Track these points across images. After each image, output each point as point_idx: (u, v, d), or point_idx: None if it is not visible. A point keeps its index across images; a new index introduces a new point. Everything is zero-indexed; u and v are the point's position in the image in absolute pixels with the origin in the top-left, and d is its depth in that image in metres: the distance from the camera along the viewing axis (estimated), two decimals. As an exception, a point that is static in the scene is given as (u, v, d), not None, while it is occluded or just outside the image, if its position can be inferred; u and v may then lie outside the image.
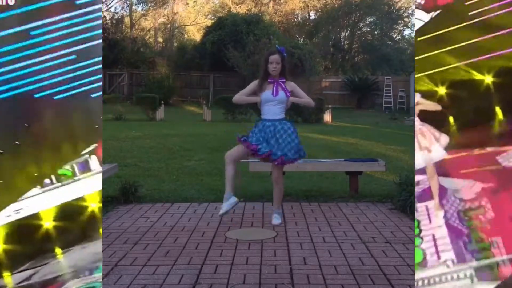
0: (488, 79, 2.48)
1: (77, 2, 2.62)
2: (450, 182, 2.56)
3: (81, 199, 2.65)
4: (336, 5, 34.51)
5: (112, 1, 35.15)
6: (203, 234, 4.16)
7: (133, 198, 5.44)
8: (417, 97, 2.71)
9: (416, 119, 2.68)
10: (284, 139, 4.44)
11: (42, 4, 2.55)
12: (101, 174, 2.75)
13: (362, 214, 4.87)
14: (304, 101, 4.66)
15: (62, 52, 2.58)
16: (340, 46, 35.34)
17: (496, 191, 2.47)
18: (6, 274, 2.51)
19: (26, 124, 2.55)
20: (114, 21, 31.99)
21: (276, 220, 4.54)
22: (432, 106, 2.62)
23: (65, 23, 2.59)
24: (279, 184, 4.58)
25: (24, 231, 2.56)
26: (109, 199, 5.36)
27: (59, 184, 2.64)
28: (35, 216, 2.57)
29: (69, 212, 2.63)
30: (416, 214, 2.59)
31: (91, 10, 2.64)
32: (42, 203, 2.59)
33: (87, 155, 2.70)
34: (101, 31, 2.69)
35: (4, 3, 2.49)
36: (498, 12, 2.46)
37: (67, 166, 2.67)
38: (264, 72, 4.57)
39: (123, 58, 28.62)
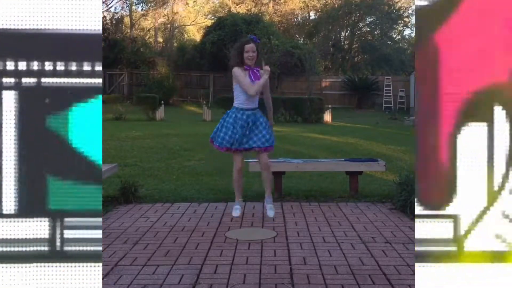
0: None
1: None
2: None
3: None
4: (336, 5, 34.51)
5: (112, 1, 35.18)
6: (203, 234, 4.16)
7: (133, 198, 5.43)
8: None
9: None
10: (264, 127, 4.58)
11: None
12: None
13: (362, 214, 4.87)
14: (269, 109, 4.91)
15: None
16: (340, 46, 35.34)
17: None
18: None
19: None
20: (114, 21, 31.98)
21: (271, 212, 4.64)
22: None
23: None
24: (268, 169, 4.69)
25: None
26: (109, 199, 5.36)
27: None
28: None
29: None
30: None
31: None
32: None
33: None
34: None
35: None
36: None
37: None
38: (239, 61, 4.60)
39: (123, 58, 28.61)
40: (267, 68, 4.58)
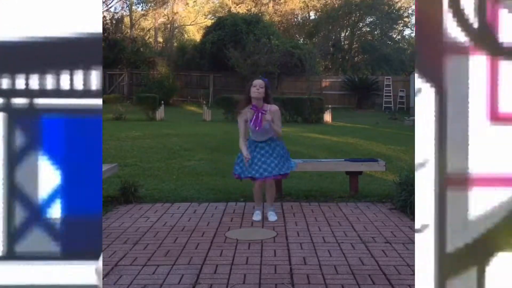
0: None
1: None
2: None
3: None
4: (336, 5, 34.50)
5: (112, 1, 35.16)
6: (203, 234, 4.17)
7: (133, 198, 5.44)
8: None
9: None
10: (277, 155, 4.63)
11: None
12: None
13: (362, 214, 4.87)
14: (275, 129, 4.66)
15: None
16: (340, 46, 35.32)
17: None
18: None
19: None
20: (114, 21, 31.95)
21: (273, 217, 4.66)
22: None
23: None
24: (273, 187, 4.78)
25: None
26: (109, 199, 5.36)
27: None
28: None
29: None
30: None
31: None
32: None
33: None
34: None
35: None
36: None
37: None
38: (248, 101, 4.63)
39: (123, 58, 28.57)
40: (268, 117, 4.49)
